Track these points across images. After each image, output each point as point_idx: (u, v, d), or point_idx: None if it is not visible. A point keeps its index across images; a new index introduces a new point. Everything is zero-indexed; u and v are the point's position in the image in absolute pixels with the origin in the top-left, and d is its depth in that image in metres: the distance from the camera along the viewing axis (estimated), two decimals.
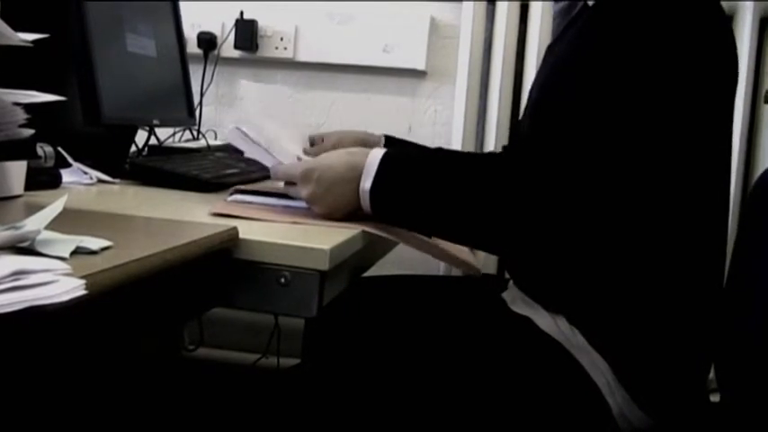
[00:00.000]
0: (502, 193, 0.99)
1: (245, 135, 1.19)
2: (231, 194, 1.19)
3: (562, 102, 1.06)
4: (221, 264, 0.88)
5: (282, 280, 0.89)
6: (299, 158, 1.24)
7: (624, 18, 1.00)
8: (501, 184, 0.99)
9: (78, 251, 0.65)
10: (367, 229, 1.03)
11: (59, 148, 1.28)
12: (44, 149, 1.23)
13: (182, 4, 1.81)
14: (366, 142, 1.43)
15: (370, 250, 1.19)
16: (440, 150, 1.46)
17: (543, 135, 1.10)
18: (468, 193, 1.00)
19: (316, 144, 1.44)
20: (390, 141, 1.47)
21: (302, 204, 1.09)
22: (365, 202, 1.03)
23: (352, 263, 1.06)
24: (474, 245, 1.10)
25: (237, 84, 2.22)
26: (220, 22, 2.17)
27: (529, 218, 0.97)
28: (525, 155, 1.09)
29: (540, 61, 1.37)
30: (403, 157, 1.04)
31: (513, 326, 1.12)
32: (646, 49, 0.97)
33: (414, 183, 1.02)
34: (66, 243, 0.66)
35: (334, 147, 1.37)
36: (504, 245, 1.05)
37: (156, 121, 1.61)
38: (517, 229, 0.99)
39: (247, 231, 0.90)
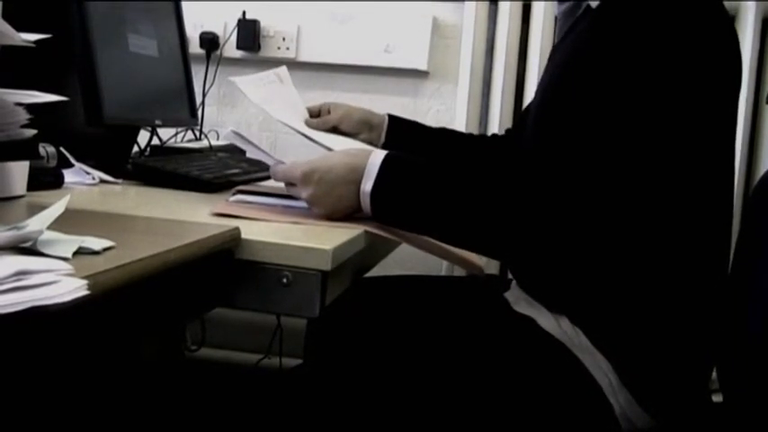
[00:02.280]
0: (504, 197, 0.98)
1: (243, 137, 1.20)
2: (233, 195, 1.19)
3: (564, 104, 1.06)
4: (223, 264, 0.88)
5: (284, 280, 0.89)
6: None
7: (627, 21, 1.00)
8: (504, 188, 0.99)
9: (80, 251, 0.65)
10: (369, 228, 1.03)
11: (62, 149, 1.28)
12: (46, 150, 1.23)
13: (184, 4, 1.81)
14: (370, 121, 1.44)
15: (373, 250, 1.19)
16: (442, 138, 1.45)
17: (546, 138, 1.10)
18: (470, 198, 1.00)
19: (322, 114, 1.44)
20: (393, 120, 1.47)
21: (304, 204, 1.09)
22: (366, 204, 1.03)
23: (354, 263, 1.06)
24: (475, 249, 1.10)
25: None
26: (222, 22, 2.17)
27: (533, 222, 0.97)
28: (528, 158, 1.09)
29: (545, 62, 1.37)
30: (404, 160, 1.04)
31: (516, 326, 1.12)
32: (649, 52, 0.97)
33: (415, 186, 1.01)
34: (68, 243, 0.66)
35: (340, 121, 1.42)
36: (507, 249, 1.05)
37: (158, 122, 1.61)
38: (520, 234, 0.99)
39: (249, 231, 0.90)
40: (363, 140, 1.43)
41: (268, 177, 1.49)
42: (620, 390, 1.04)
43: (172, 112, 1.72)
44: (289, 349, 2.06)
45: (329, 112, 1.43)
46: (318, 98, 2.17)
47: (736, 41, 1.05)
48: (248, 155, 1.24)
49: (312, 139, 1.32)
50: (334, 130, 1.42)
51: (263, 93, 1.33)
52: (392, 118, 1.47)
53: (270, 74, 1.39)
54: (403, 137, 1.45)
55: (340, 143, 1.33)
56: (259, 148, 1.20)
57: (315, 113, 1.44)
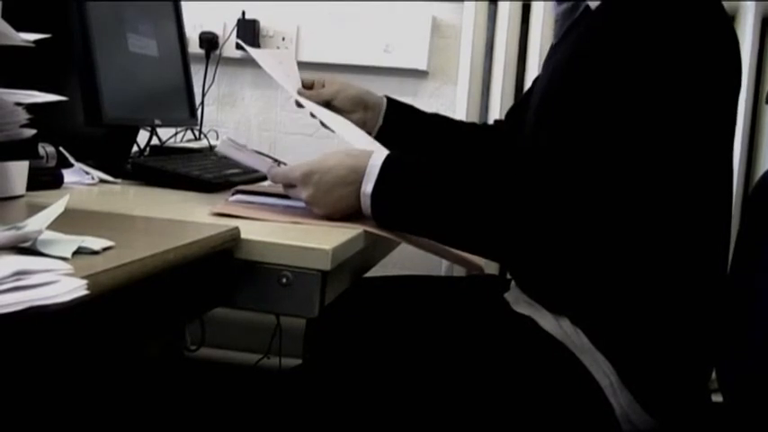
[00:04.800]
0: (505, 199, 0.98)
1: (237, 144, 1.21)
2: (233, 194, 1.19)
3: (565, 105, 1.06)
4: (223, 264, 0.88)
5: (284, 280, 0.89)
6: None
7: (627, 22, 1.00)
8: (504, 190, 0.99)
9: (80, 251, 0.65)
10: (369, 228, 1.03)
11: (61, 149, 1.28)
12: (46, 149, 1.23)
13: (183, 4, 1.81)
14: (366, 101, 1.41)
15: (372, 250, 1.19)
16: (438, 125, 1.45)
17: (546, 139, 1.10)
18: (471, 200, 1.00)
19: (315, 87, 1.40)
20: (391, 103, 1.44)
21: (303, 204, 1.09)
22: (366, 205, 1.03)
23: (353, 263, 1.06)
24: (477, 251, 1.09)
25: (239, 84, 2.23)
26: (222, 22, 2.17)
27: (534, 224, 0.97)
28: (528, 159, 1.09)
29: (543, 63, 1.37)
30: (405, 162, 1.04)
31: (516, 326, 1.12)
32: (649, 53, 0.97)
33: (416, 188, 1.01)
34: (67, 243, 0.66)
35: (334, 95, 1.38)
36: (509, 251, 1.05)
37: (157, 121, 1.61)
38: (521, 235, 0.99)
39: (249, 231, 0.90)
40: (357, 120, 1.39)
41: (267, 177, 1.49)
42: (620, 390, 1.04)
43: (171, 111, 1.72)
44: (288, 349, 2.06)
45: (323, 86, 1.40)
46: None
47: (735, 42, 1.05)
48: (244, 162, 1.24)
49: (313, 114, 1.33)
50: (327, 105, 1.38)
51: (271, 63, 1.35)
52: (390, 101, 1.44)
53: (277, 52, 1.41)
54: (399, 122, 1.42)
55: (335, 121, 1.33)
56: (253, 153, 1.21)
57: (308, 85, 1.40)
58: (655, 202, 1.00)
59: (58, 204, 0.72)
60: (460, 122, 1.54)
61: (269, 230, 0.95)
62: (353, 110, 1.40)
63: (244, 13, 2.14)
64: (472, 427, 1.05)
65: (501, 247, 1.03)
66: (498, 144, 1.46)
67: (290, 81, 1.39)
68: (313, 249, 0.89)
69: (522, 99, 1.51)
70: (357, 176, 1.03)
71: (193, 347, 2.18)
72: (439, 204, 1.01)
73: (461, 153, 1.45)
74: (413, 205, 1.02)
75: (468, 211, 1.00)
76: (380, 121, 1.42)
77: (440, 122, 1.50)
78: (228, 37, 2.15)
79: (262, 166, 1.21)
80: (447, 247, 1.13)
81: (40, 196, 1.10)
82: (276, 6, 2.15)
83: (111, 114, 1.37)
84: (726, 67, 1.03)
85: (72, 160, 1.32)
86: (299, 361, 1.66)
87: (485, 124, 1.59)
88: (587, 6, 1.13)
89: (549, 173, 0.99)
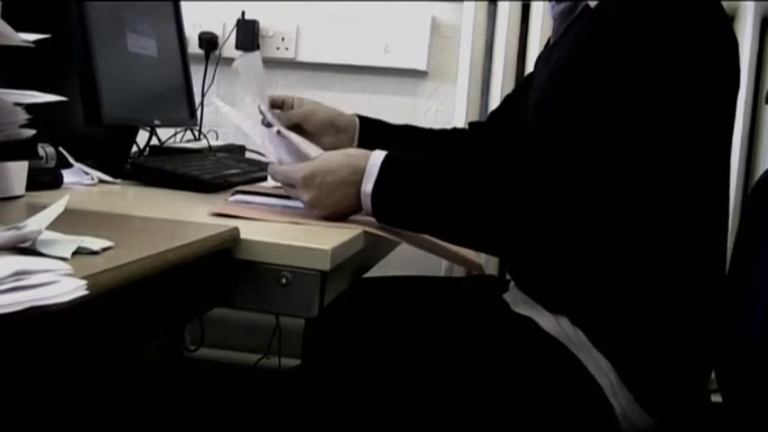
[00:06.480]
0: (504, 195, 0.99)
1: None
2: (232, 195, 1.20)
3: (564, 104, 1.06)
4: (222, 264, 0.88)
5: (283, 280, 0.89)
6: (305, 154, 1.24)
7: (625, 20, 1.00)
8: (503, 186, 0.99)
9: (79, 251, 0.65)
10: (368, 229, 1.03)
11: (61, 149, 1.28)
12: (45, 150, 1.23)
13: (183, 4, 1.81)
14: (337, 123, 1.38)
15: (372, 250, 1.19)
16: (407, 136, 1.44)
17: (545, 138, 1.10)
18: (470, 196, 1.00)
19: (285, 107, 1.38)
20: (364, 121, 1.41)
21: (303, 204, 1.09)
22: (366, 204, 1.03)
23: (353, 263, 1.06)
24: (476, 247, 1.10)
25: (239, 84, 2.22)
26: (221, 22, 2.17)
27: (532, 220, 0.98)
28: (528, 156, 1.09)
29: (536, 61, 1.37)
30: (405, 160, 1.04)
31: (515, 326, 1.12)
32: (648, 52, 0.97)
33: (415, 185, 1.02)
34: (67, 243, 0.66)
35: (304, 119, 1.36)
36: (507, 246, 1.05)
37: (157, 122, 1.61)
38: (520, 231, 0.99)
39: (248, 231, 0.90)
40: (329, 143, 1.34)
41: (267, 178, 1.49)
42: (620, 389, 1.04)
43: (171, 112, 1.72)
44: (287, 349, 2.06)
45: (292, 107, 1.37)
46: (317, 98, 2.17)
47: (734, 42, 1.05)
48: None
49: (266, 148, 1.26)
50: (298, 128, 1.35)
51: (251, 84, 1.32)
52: (361, 120, 1.41)
53: (247, 59, 1.34)
54: (371, 139, 1.39)
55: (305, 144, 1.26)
56: (263, 143, 1.21)
57: (278, 104, 1.37)
58: (653, 201, 1.00)
59: (57, 204, 0.72)
60: (431, 130, 1.52)
61: (268, 230, 0.95)
62: (324, 133, 1.37)
63: (243, 14, 2.14)
64: (472, 428, 1.05)
65: (500, 243, 1.04)
66: (475, 146, 1.45)
67: (260, 93, 1.33)
68: (312, 249, 0.89)
69: (512, 93, 1.50)
70: (357, 176, 1.03)
71: (193, 347, 2.18)
72: (439, 201, 1.01)
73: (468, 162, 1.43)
74: (413, 202, 1.02)
75: (468, 207, 1.00)
76: (356, 143, 1.39)
77: (412, 133, 1.47)
78: (228, 37, 2.15)
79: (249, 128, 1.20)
80: (446, 248, 1.13)
81: (39, 196, 1.10)
82: (276, 6, 2.15)
83: (110, 114, 1.37)
84: (724, 67, 1.03)
85: (71, 160, 1.32)
86: (299, 361, 1.66)
87: (455, 129, 1.57)
88: (586, 6, 1.13)
89: (548, 171, 0.99)
